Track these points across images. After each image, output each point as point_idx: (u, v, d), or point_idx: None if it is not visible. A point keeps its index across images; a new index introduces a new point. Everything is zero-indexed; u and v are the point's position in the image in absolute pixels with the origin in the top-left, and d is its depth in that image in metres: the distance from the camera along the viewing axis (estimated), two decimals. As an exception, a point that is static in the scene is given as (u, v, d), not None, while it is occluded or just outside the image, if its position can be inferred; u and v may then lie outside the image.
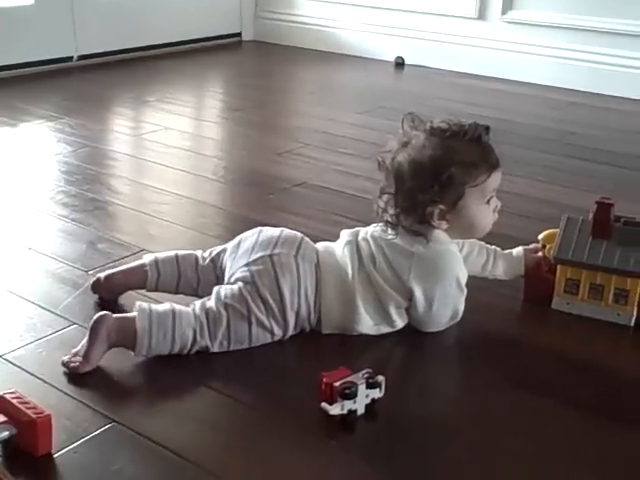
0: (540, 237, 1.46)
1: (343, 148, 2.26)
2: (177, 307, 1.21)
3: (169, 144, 2.29)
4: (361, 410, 1.08)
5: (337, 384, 1.06)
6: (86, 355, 1.16)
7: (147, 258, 1.36)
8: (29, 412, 0.98)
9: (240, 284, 1.23)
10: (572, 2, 2.99)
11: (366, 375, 1.09)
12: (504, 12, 3.16)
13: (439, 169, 1.22)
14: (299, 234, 1.31)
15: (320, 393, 1.07)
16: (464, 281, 1.29)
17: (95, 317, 1.17)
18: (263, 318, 1.22)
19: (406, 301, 1.28)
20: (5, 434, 0.98)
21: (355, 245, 1.30)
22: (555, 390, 1.18)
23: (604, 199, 1.38)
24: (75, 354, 1.17)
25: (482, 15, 3.22)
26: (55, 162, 2.12)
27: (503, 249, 1.48)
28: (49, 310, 1.34)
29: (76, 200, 1.84)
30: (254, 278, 1.23)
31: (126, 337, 1.17)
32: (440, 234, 1.27)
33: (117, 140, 2.37)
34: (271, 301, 1.22)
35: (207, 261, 1.35)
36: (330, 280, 1.27)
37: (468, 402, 1.15)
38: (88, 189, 1.91)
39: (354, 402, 1.07)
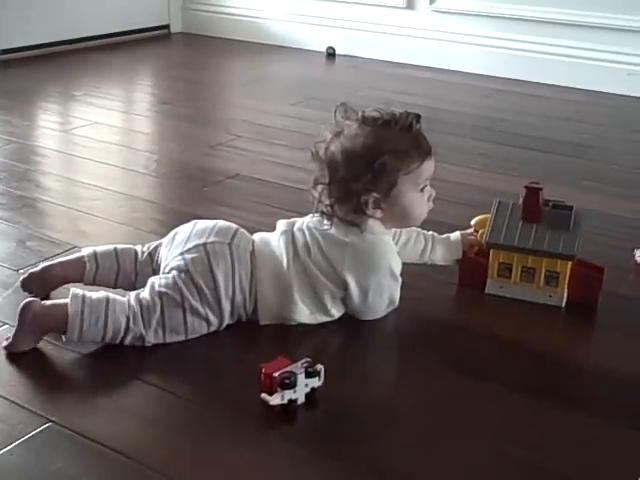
0: (472, 222, 1.49)
1: (276, 139, 2.26)
2: (111, 295, 1.21)
3: (99, 139, 2.25)
4: (301, 399, 1.08)
5: (276, 374, 1.06)
6: (13, 338, 1.18)
7: (85, 251, 1.34)
8: (-40, 416, 0.95)
9: (174, 272, 1.23)
10: (498, -9, 3.04)
11: (305, 364, 1.09)
12: (432, 1, 3.19)
13: (372, 157, 1.23)
14: (234, 225, 1.31)
15: (259, 384, 1.07)
16: (398, 271, 1.30)
17: (22, 303, 1.18)
18: (197, 305, 1.21)
19: (341, 291, 1.28)
20: None
21: (291, 235, 1.30)
22: (492, 372, 1.20)
23: (533, 183, 1.41)
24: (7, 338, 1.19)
25: (411, 4, 3.25)
26: (-20, 159, 2.06)
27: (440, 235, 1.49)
28: (-22, 311, 1.30)
29: (3, 198, 1.79)
30: (188, 266, 1.23)
31: (56, 322, 1.17)
32: (375, 224, 1.28)
33: (44, 136, 2.32)
34: (205, 288, 1.22)
35: (145, 255, 1.35)
36: (265, 269, 1.27)
37: (407, 387, 1.16)
38: (16, 186, 1.86)
39: (294, 392, 1.07)
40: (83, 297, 1.18)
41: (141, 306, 1.20)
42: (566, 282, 1.37)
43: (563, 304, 1.38)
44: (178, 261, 1.24)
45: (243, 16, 3.66)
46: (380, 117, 1.26)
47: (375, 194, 1.24)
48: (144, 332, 1.20)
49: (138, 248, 1.36)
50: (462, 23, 3.15)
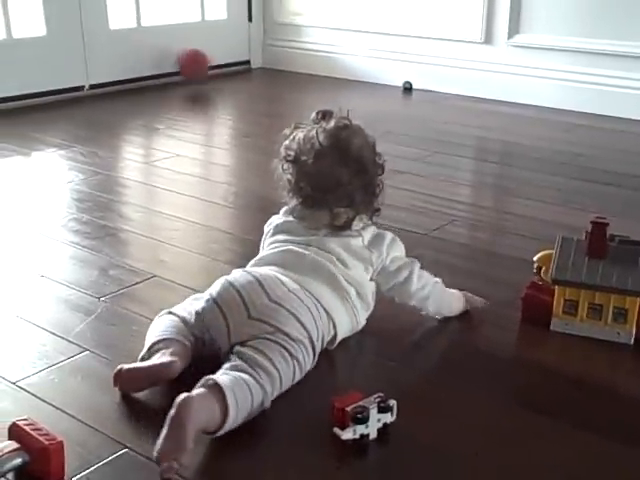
0: (535, 259, 1.46)
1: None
2: (238, 374, 1.11)
3: (179, 171, 2.31)
4: (373, 434, 1.08)
5: (349, 408, 1.06)
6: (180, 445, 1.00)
7: (170, 355, 1.17)
8: (41, 439, 0.98)
9: (268, 336, 1.17)
10: (576, 25, 3.01)
11: (378, 399, 1.09)
12: (510, 36, 3.18)
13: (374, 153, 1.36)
14: (262, 274, 1.26)
15: (332, 418, 1.07)
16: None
17: (178, 401, 1.02)
18: (300, 356, 1.18)
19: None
20: (18, 461, 0.98)
21: (316, 257, 1.30)
22: (563, 411, 1.17)
23: (599, 218, 1.39)
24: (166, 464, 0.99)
25: (488, 39, 3.25)
26: (67, 190, 2.14)
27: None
28: (61, 337, 1.35)
29: (87, 227, 1.85)
30: (279, 325, 1.18)
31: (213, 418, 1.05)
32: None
33: (128, 167, 2.39)
34: (301, 337, 1.19)
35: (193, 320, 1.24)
36: (326, 296, 1.27)
37: (477, 425, 1.14)
38: (99, 216, 1.92)
39: (366, 427, 1.06)
40: (232, 387, 1.07)
41: (268, 378, 1.13)
42: (635, 319, 1.34)
43: (632, 341, 1.35)
44: (261, 325, 1.18)
45: (321, 51, 3.72)
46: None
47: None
48: (268, 401, 1.13)
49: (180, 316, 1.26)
50: (539, 57, 3.12)
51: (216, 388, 1.06)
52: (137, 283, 1.55)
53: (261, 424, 1.12)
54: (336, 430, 1.06)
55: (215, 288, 1.24)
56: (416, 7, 3.39)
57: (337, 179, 1.29)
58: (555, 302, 1.38)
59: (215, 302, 1.22)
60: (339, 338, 1.30)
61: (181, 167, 2.34)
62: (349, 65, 3.63)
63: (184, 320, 1.25)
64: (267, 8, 3.86)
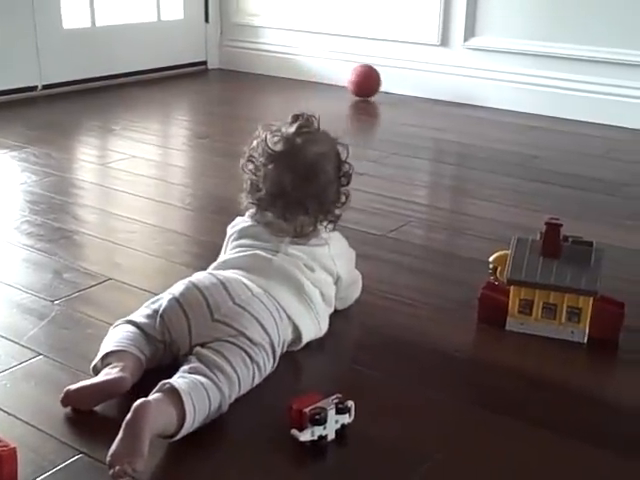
0: (491, 259, 1.48)
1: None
2: (196, 378, 1.09)
3: (135, 172, 2.28)
4: (331, 436, 1.08)
5: (307, 410, 1.06)
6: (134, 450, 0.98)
7: (120, 371, 1.14)
8: (-6, 445, 0.97)
9: (230, 339, 1.16)
10: (531, 28, 3.05)
11: (335, 400, 1.09)
12: (466, 39, 3.21)
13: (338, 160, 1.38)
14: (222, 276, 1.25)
15: (290, 419, 1.07)
16: None
17: (135, 406, 1.01)
18: (260, 360, 1.17)
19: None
20: (-31, 468, 0.96)
21: (281, 261, 1.30)
22: (517, 409, 1.19)
23: (553, 219, 1.41)
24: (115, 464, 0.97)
25: (445, 42, 3.27)
26: (20, 191, 2.10)
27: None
28: (14, 341, 1.32)
29: (41, 229, 1.82)
30: (241, 329, 1.17)
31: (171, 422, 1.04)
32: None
33: (83, 169, 2.36)
34: (263, 342, 1.19)
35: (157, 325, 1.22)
36: (289, 299, 1.28)
37: (435, 424, 1.15)
38: (53, 218, 1.89)
39: (324, 428, 1.06)
40: (189, 391, 1.06)
41: (227, 381, 1.12)
42: (588, 318, 1.37)
43: (585, 340, 1.37)
44: (224, 327, 1.17)
45: (278, 53, 3.71)
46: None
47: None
48: (226, 404, 1.12)
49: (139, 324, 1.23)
50: (495, 60, 3.16)
51: (173, 392, 1.05)
52: (92, 286, 1.53)
53: (219, 426, 1.11)
54: (294, 432, 1.06)
55: (178, 288, 1.23)
56: (373, 9, 3.40)
57: (282, 185, 1.30)
58: (510, 302, 1.40)
59: (177, 301, 1.20)
60: (303, 342, 1.30)
61: (137, 168, 2.32)
62: (306, 66, 3.63)
63: (142, 328, 1.22)
64: (224, 9, 3.84)
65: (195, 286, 1.22)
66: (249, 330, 1.18)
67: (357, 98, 3.24)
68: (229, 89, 3.61)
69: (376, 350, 1.35)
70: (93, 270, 1.60)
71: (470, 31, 3.20)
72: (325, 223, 1.36)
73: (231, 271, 1.29)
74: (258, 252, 1.32)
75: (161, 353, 1.22)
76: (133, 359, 1.17)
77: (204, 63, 3.86)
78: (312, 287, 1.30)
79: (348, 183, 1.37)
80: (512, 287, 1.39)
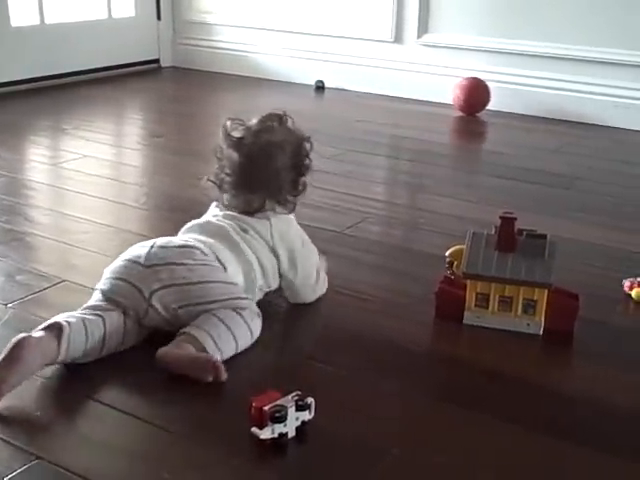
0: (447, 254, 1.49)
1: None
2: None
3: (88, 172, 2.25)
4: (292, 433, 1.07)
5: (267, 408, 1.05)
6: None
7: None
8: (-53, 453, 0.94)
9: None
10: (483, 25, 3.08)
11: (295, 397, 1.08)
12: (419, 35, 3.23)
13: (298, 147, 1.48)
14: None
15: (250, 417, 1.06)
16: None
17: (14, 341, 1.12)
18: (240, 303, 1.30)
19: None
20: None
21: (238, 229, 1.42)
22: (476, 402, 1.20)
23: (507, 213, 1.43)
24: None
25: (399, 38, 3.29)
26: (-31, 193, 2.06)
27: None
28: (-34, 346, 1.29)
29: (-8, 232, 1.79)
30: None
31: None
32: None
33: (34, 169, 2.32)
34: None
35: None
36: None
37: (396, 420, 1.16)
38: (5, 220, 1.86)
39: (284, 425, 1.06)
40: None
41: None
42: (543, 310, 1.38)
43: (541, 332, 1.39)
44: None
45: (233, 50, 3.69)
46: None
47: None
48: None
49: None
50: (448, 56, 3.19)
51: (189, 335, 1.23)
52: (46, 288, 1.51)
53: (180, 424, 1.10)
54: (254, 430, 1.05)
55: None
56: (327, 6, 3.40)
57: (234, 167, 1.43)
58: (467, 296, 1.41)
59: (118, 279, 1.30)
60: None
61: (90, 168, 2.29)
62: (261, 64, 3.62)
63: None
64: (176, 6, 3.81)
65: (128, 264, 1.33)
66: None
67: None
68: (183, 87, 3.58)
69: (334, 346, 1.35)
70: (47, 272, 1.58)
71: (423, 28, 3.22)
72: (275, 205, 1.44)
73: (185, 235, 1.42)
74: (208, 219, 1.46)
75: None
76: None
77: (157, 61, 3.83)
78: (247, 248, 1.39)
79: (304, 174, 1.46)
80: (468, 281, 1.41)
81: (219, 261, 1.33)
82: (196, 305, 1.27)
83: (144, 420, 1.12)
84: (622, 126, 2.84)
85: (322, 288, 1.49)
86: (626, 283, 1.56)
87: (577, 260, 1.67)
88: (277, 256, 1.42)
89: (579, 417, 1.17)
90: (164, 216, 1.95)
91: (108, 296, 1.29)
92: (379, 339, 1.37)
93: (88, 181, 2.18)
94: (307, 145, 1.46)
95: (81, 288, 1.50)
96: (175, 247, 1.33)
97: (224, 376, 1.18)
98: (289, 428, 1.07)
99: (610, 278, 1.60)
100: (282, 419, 1.05)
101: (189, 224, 1.45)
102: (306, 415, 1.09)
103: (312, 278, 1.46)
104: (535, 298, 1.38)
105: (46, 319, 1.37)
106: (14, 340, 1.12)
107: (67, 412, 1.14)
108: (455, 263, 1.46)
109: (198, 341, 1.21)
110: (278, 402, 1.07)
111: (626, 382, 1.27)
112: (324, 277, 1.50)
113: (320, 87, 3.46)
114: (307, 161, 1.46)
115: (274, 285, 1.44)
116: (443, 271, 1.49)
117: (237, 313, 1.28)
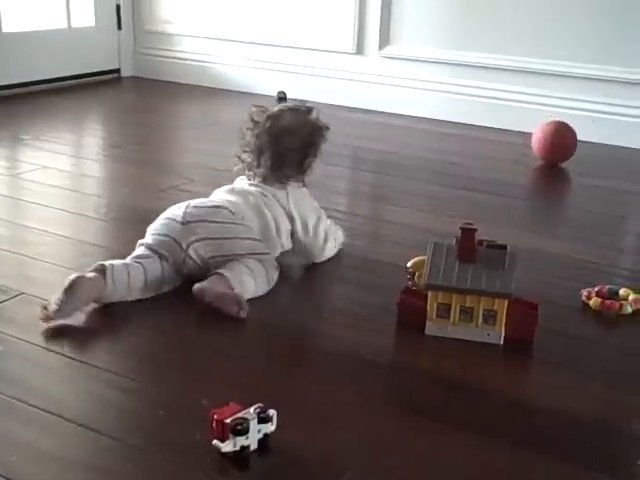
0: (409, 265, 1.50)
1: (228, 182, 2.25)
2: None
3: (47, 183, 2.22)
4: (254, 446, 1.07)
5: (228, 420, 1.05)
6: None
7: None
8: None
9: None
10: (444, 38, 3.12)
11: (257, 410, 1.08)
12: (381, 47, 3.25)
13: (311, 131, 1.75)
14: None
15: (211, 430, 1.05)
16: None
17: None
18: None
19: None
20: None
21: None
22: (438, 412, 1.20)
23: (467, 224, 1.44)
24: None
25: (360, 50, 3.31)
26: None
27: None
28: None
29: (-52, 244, 1.75)
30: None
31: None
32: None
33: (-9, 180, 2.29)
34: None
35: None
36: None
37: (358, 431, 1.15)
38: (-39, 232, 1.82)
39: (246, 438, 1.05)
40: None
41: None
42: (503, 320, 1.40)
43: (501, 341, 1.41)
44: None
45: (194, 60, 3.68)
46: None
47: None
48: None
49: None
50: (409, 68, 3.21)
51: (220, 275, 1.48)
52: (3, 301, 1.48)
53: (142, 438, 1.09)
54: (216, 443, 1.04)
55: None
56: (289, 17, 3.41)
57: (252, 146, 1.71)
58: (429, 306, 1.42)
59: (160, 235, 1.54)
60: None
61: (49, 179, 2.25)
62: (222, 74, 3.61)
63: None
64: (137, 16, 3.78)
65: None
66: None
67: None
68: (144, 97, 3.55)
69: (294, 358, 1.34)
70: (4, 285, 1.55)
71: (385, 40, 3.24)
72: (289, 179, 1.69)
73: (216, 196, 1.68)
74: (234, 186, 1.72)
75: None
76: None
77: (117, 71, 3.80)
78: (267, 211, 1.61)
79: (314, 156, 1.72)
80: (430, 292, 1.41)
81: (244, 220, 1.56)
82: (225, 257, 1.50)
83: (100, 433, 1.10)
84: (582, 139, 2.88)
85: (331, 251, 1.71)
86: (584, 293, 1.58)
87: (536, 271, 1.69)
88: (292, 219, 1.65)
89: (540, 426, 1.18)
90: (124, 227, 1.93)
91: (153, 249, 1.52)
92: (340, 350, 1.37)
93: (47, 192, 2.15)
94: (318, 134, 1.71)
95: (39, 301, 1.48)
96: (207, 207, 1.56)
97: (246, 311, 1.41)
98: (251, 441, 1.06)
99: (568, 288, 1.62)
100: (244, 432, 1.05)
101: (221, 188, 1.70)
102: (269, 427, 1.08)
103: (321, 239, 1.68)
104: (495, 308, 1.39)
105: (4, 333, 1.35)
106: (70, 277, 1.39)
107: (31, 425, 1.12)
108: (417, 274, 1.47)
109: (227, 280, 1.45)
110: (240, 415, 1.06)
111: (585, 390, 1.28)
112: (334, 244, 1.72)
113: (282, 98, 3.45)
114: (315, 146, 1.70)
115: (287, 246, 1.65)
116: (405, 282, 1.49)
117: (260, 263, 1.51)
